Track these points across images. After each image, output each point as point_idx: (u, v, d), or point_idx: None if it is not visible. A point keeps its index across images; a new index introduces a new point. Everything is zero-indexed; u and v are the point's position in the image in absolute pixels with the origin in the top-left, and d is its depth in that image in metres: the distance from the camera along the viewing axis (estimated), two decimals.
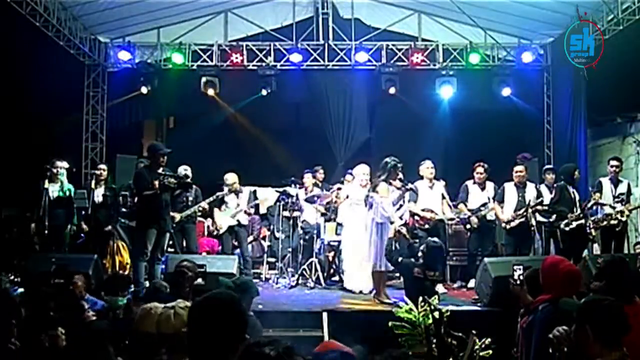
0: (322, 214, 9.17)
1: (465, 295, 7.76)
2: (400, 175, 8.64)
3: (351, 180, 8.79)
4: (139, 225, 7.26)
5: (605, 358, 2.65)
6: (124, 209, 8.42)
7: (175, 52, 10.89)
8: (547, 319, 3.49)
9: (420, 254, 6.40)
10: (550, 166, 9.64)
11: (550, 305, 3.57)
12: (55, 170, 8.09)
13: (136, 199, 7.54)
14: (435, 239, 6.71)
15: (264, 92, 10.68)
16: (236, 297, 2.38)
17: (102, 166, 8.83)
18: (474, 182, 8.53)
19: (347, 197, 8.29)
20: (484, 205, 8.43)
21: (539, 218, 8.27)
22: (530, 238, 8.16)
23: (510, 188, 8.34)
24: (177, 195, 7.85)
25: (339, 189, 8.89)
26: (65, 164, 8.33)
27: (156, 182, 6.92)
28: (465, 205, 8.57)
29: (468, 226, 8.52)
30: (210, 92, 10.76)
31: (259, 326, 4.85)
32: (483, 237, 8.51)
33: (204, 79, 10.73)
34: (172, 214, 8.46)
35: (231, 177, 8.95)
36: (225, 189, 8.83)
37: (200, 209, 8.62)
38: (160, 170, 7.10)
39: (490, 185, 8.53)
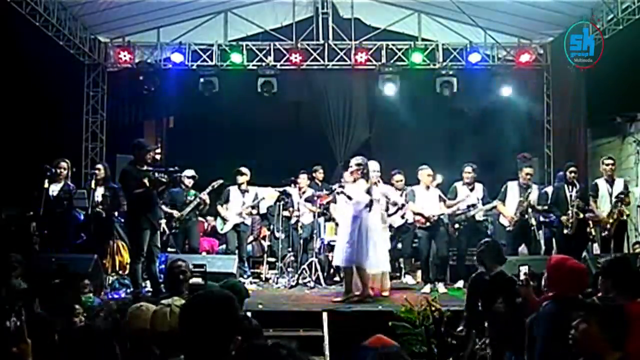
0: (322, 214, 9.16)
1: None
2: (399, 177, 8.68)
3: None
4: (132, 226, 7.01)
5: (609, 357, 2.64)
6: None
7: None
8: (551, 314, 3.49)
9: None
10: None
11: (554, 302, 3.57)
12: (57, 171, 8.08)
13: (127, 199, 7.29)
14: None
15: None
16: (230, 296, 2.34)
17: (99, 166, 8.59)
18: (463, 184, 8.48)
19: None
20: (473, 206, 8.36)
21: (540, 218, 8.26)
22: (531, 238, 8.15)
23: (513, 187, 8.29)
24: (164, 192, 7.68)
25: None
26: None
27: (146, 180, 6.63)
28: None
29: (457, 226, 8.47)
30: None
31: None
32: (472, 237, 8.45)
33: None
34: (174, 213, 8.50)
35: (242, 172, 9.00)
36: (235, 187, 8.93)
37: (200, 201, 8.62)
38: (144, 168, 6.83)
39: (479, 186, 8.46)
